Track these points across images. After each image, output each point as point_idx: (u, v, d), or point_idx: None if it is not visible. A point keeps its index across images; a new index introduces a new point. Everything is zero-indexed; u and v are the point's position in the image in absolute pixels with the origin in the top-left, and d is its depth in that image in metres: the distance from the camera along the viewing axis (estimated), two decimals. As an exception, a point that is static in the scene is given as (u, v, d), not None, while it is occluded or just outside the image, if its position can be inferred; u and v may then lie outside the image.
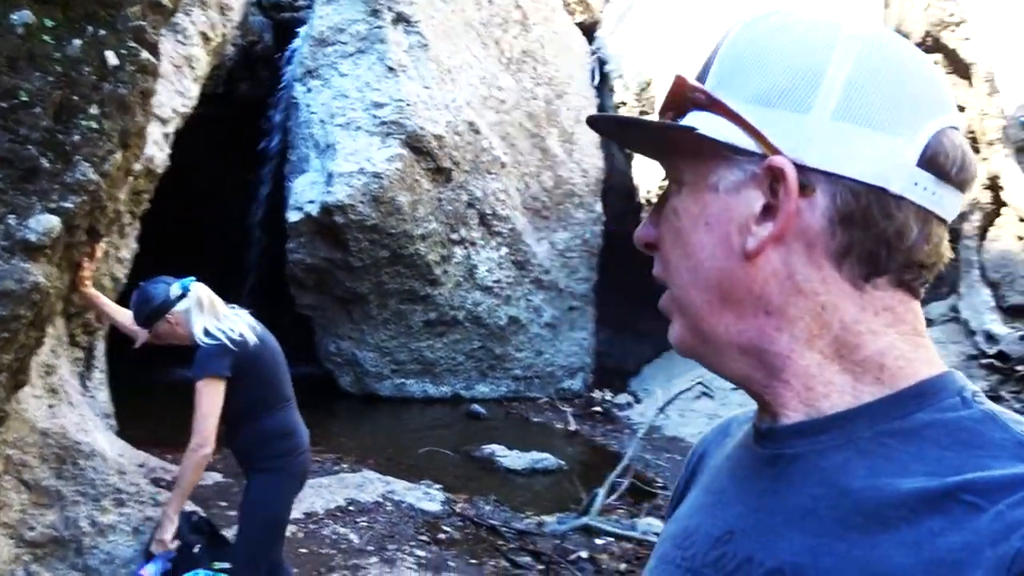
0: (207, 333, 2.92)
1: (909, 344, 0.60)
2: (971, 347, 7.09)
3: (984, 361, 6.80)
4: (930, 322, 7.74)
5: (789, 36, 0.60)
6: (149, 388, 8.18)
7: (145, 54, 2.90)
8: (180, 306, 2.99)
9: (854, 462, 0.56)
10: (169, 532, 3.05)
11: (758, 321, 0.61)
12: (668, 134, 0.65)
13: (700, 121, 0.62)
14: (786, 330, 0.60)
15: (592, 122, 0.68)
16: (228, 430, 3.08)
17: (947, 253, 0.61)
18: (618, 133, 0.70)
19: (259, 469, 3.05)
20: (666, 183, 0.69)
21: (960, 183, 0.59)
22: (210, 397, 2.87)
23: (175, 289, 3.03)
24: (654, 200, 10.60)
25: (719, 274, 0.62)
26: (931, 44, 8.06)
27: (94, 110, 2.69)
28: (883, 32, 0.61)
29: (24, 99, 2.47)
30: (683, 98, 0.64)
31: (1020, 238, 7.16)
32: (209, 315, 2.97)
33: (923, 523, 0.51)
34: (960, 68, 7.76)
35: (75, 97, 2.64)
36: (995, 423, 0.55)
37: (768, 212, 0.59)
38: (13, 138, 2.43)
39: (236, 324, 2.98)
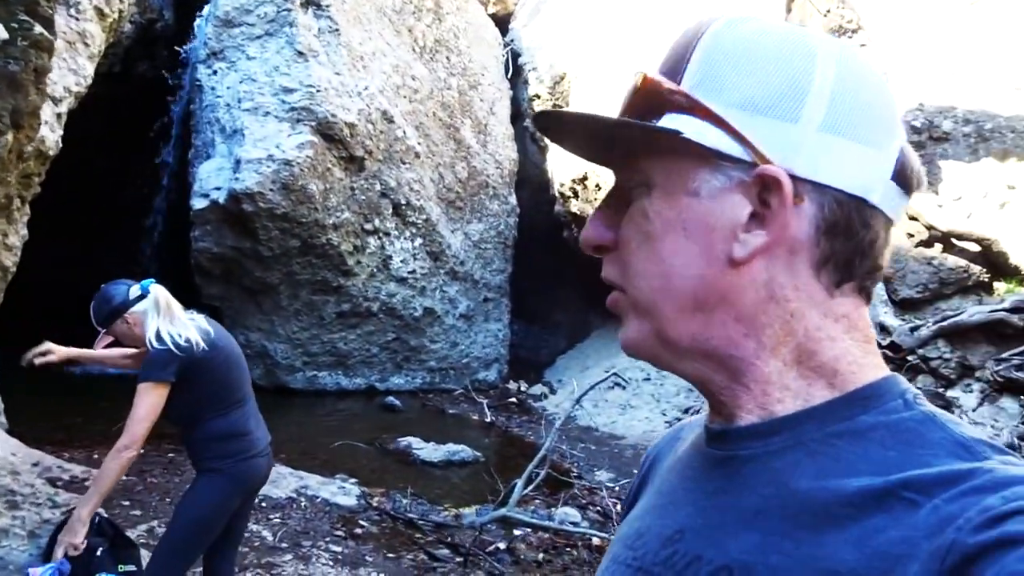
0: (158, 337, 2.87)
1: (861, 350, 0.62)
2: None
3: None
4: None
5: (771, 43, 0.60)
6: (44, 383, 7.73)
7: (39, 28, 2.72)
8: (138, 307, 2.95)
9: (804, 463, 0.58)
10: (80, 535, 2.90)
11: (727, 329, 0.62)
12: (643, 136, 0.63)
13: (681, 124, 0.61)
14: (753, 337, 0.61)
15: (540, 118, 0.65)
16: (181, 430, 3.03)
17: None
18: (560, 131, 0.67)
19: (204, 469, 2.98)
20: (622, 183, 0.67)
21: (911, 194, 0.63)
22: (149, 400, 2.82)
23: (134, 290, 3.01)
24: (568, 193, 10.67)
25: (695, 281, 0.61)
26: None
27: (-16, 86, 2.51)
28: (850, 47, 0.63)
29: (-96, 72, 2.28)
30: (657, 99, 0.62)
31: (910, 235, 7.58)
32: (164, 318, 2.92)
33: (867, 520, 0.52)
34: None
35: (-37, 71, 2.45)
36: (935, 424, 0.57)
37: (754, 220, 0.60)
38: None
39: (187, 330, 2.93)
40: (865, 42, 8.03)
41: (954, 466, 0.52)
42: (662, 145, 0.62)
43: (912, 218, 7.47)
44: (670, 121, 0.62)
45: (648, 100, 0.63)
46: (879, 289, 7.38)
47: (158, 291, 3.01)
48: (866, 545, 0.51)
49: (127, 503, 4.87)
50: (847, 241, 0.60)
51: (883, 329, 7.18)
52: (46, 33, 2.81)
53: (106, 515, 3.98)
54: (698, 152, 0.60)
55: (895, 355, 6.98)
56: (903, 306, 7.41)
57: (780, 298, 0.60)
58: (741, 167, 0.60)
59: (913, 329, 7.00)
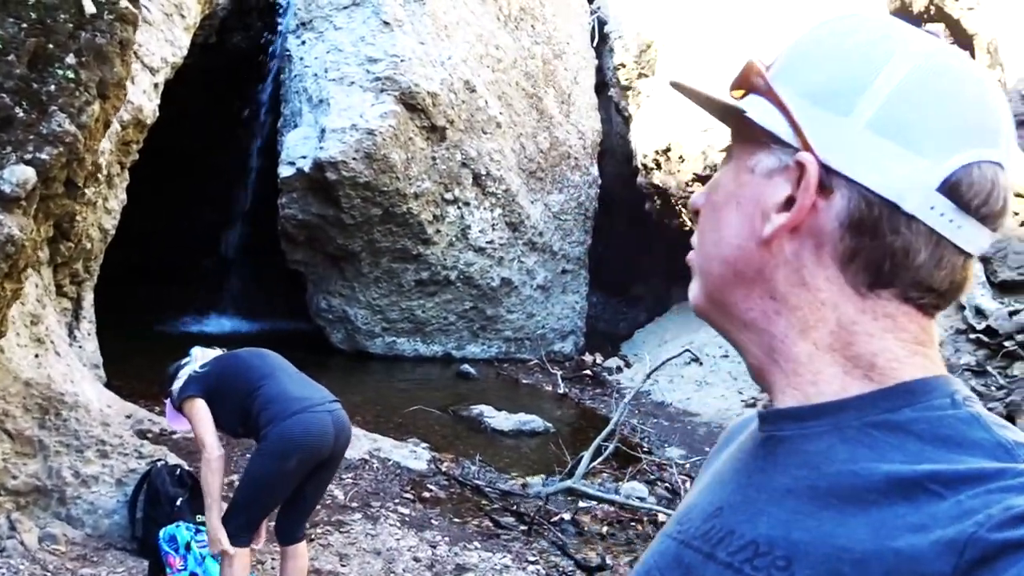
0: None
1: (906, 350, 0.61)
2: (960, 321, 7.09)
3: (972, 336, 6.81)
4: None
5: (853, 40, 0.62)
6: (143, 340, 8.19)
7: (124, 2, 2.83)
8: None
9: (838, 448, 0.59)
10: (224, 542, 3.07)
11: (763, 303, 0.66)
12: (723, 112, 0.69)
13: (753, 106, 0.65)
14: (785, 316, 0.64)
15: (675, 86, 0.72)
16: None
17: (967, 282, 0.62)
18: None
19: (259, 439, 3.19)
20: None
21: (982, 217, 0.59)
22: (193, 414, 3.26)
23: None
24: (651, 165, 10.47)
25: (737, 252, 0.66)
26: (934, 14, 7.92)
27: (71, 59, 2.63)
28: (953, 54, 0.61)
29: (-3, 46, 2.42)
30: (748, 81, 0.67)
31: (1016, 214, 7.12)
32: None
33: (891, 508, 0.53)
34: (962, 39, 7.66)
35: (51, 45, 2.58)
36: (979, 424, 0.57)
37: (790, 204, 0.62)
38: (-15, 86, 2.38)
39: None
40: (972, 6, 7.52)
41: (986, 465, 0.52)
42: (740, 123, 0.67)
43: (1018, 195, 7.01)
44: (748, 102, 0.66)
45: (744, 81, 0.67)
46: (976, 270, 6.98)
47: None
48: (885, 529, 0.52)
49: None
50: (873, 242, 0.59)
51: (979, 312, 6.81)
52: (131, 6, 2.92)
53: (188, 468, 4.22)
54: (762, 133, 0.64)
55: (991, 340, 6.60)
56: (1003, 289, 6.98)
57: (812, 286, 0.62)
58: (790, 152, 0.62)
59: (1012, 313, 6.61)
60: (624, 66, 11.07)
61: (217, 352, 3.55)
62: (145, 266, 9.73)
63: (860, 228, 0.59)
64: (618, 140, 11.29)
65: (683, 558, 0.65)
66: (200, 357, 3.46)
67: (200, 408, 3.23)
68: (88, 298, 5.90)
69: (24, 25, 2.50)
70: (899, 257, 0.59)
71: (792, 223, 0.61)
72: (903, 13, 7.53)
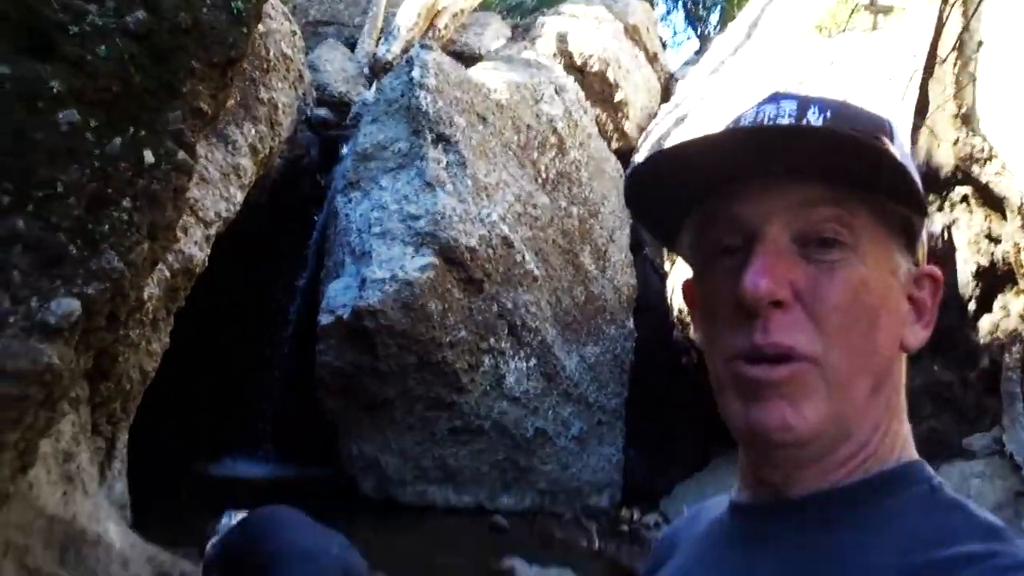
0: None
1: (904, 434, 0.64)
2: (1019, 483, 6.75)
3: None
4: (972, 454, 7.31)
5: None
6: (172, 481, 8.18)
7: (182, 154, 3.10)
8: None
9: (828, 541, 0.58)
10: None
11: (879, 410, 0.62)
12: (879, 188, 0.60)
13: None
14: (885, 419, 0.63)
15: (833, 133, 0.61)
16: None
17: None
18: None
19: None
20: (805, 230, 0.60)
21: None
22: None
23: None
24: (687, 320, 10.47)
25: (885, 363, 0.61)
26: (961, 178, 8.12)
27: (126, 203, 2.86)
28: None
29: (59, 190, 2.65)
30: (875, 172, 0.59)
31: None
32: None
33: None
34: (992, 201, 7.80)
35: (109, 190, 2.81)
36: (963, 511, 0.58)
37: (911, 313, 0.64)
38: (43, 225, 2.59)
39: None
40: (999, 170, 7.71)
41: (975, 546, 0.53)
42: (877, 211, 0.61)
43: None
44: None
45: (867, 167, 0.58)
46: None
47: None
48: None
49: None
50: None
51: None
52: (188, 158, 3.18)
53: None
54: (896, 231, 0.61)
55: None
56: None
57: (898, 386, 0.63)
58: (908, 259, 0.62)
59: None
60: (657, 224, 11.41)
61: (241, 515, 3.60)
62: (179, 403, 9.88)
63: None
64: (654, 297, 11.44)
65: None
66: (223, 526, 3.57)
67: None
68: (122, 438, 6.00)
69: (87, 172, 2.75)
70: None
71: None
72: (931, 178, 7.74)
